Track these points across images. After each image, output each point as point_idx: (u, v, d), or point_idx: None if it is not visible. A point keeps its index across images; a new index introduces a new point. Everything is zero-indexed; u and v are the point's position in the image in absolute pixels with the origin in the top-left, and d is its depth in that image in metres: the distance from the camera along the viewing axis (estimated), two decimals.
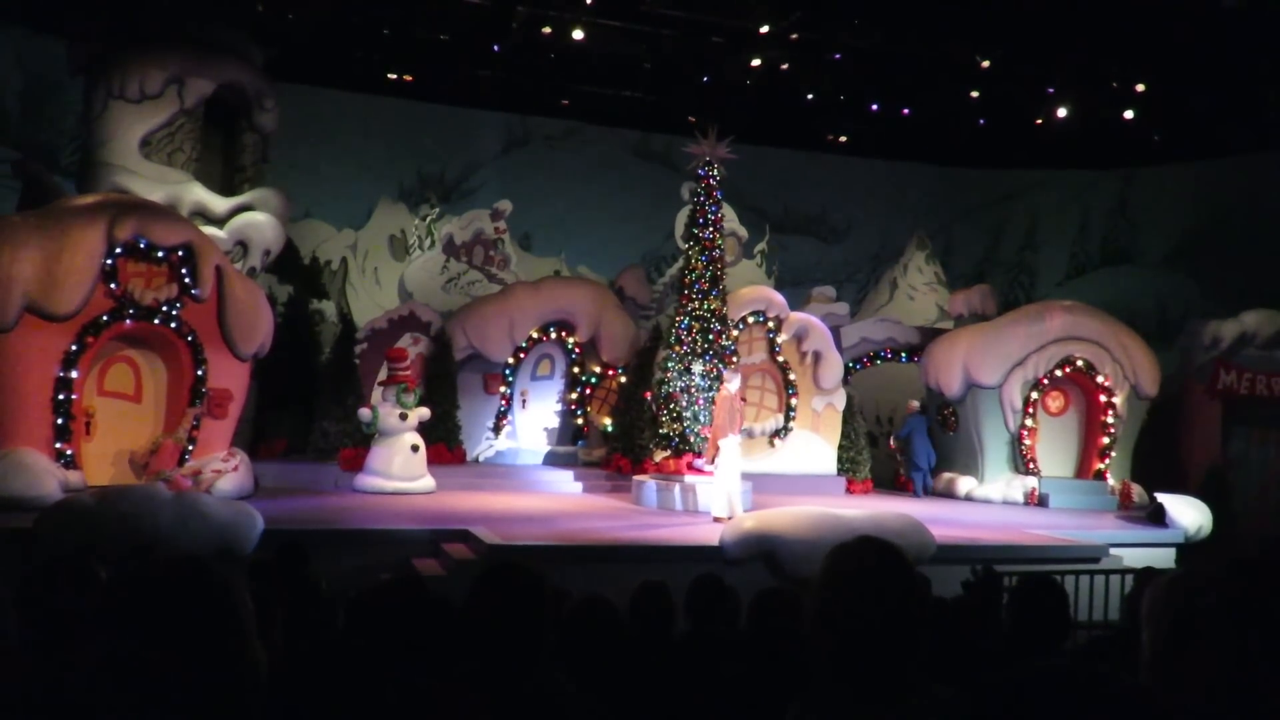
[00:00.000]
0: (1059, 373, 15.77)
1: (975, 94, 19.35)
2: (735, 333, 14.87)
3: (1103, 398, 15.85)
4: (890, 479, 17.03)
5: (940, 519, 11.77)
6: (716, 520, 11.33)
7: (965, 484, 15.98)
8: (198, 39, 15.56)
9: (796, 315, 16.52)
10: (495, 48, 18.30)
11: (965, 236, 24.63)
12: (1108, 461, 15.91)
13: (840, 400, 16.43)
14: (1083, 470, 16.06)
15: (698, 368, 13.31)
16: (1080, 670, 1.31)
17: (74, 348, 11.17)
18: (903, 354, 18.17)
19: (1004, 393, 15.69)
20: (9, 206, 13.39)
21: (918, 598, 2.21)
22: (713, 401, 13.10)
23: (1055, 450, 16.04)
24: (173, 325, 11.83)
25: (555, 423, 16.38)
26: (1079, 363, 15.76)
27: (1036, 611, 3.83)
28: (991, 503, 15.37)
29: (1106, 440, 15.92)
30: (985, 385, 15.70)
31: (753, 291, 16.38)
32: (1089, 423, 16.15)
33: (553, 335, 16.13)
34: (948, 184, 24.31)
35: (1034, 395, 15.72)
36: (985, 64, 17.58)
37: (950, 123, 21.43)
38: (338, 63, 19.37)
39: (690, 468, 13.30)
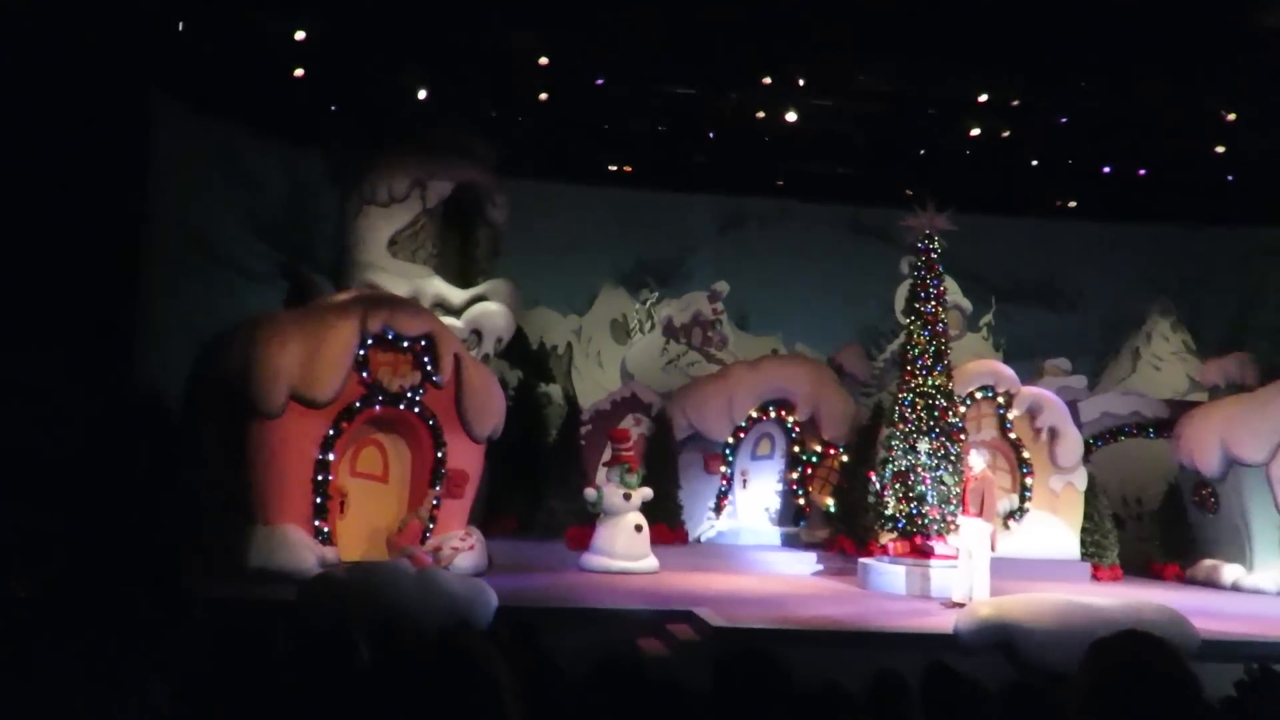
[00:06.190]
0: None
1: (1220, 149, 18.12)
2: (962, 409, 14.34)
3: None
4: (1142, 565, 15.74)
5: (1204, 610, 10.75)
6: (954, 605, 10.81)
7: (1231, 572, 14.53)
8: (436, 142, 16.85)
9: (1028, 389, 15.77)
10: (710, 134, 18.80)
11: (1214, 300, 22.73)
12: None
13: (1081, 479, 15.45)
14: None
15: (924, 445, 12.89)
16: None
17: (331, 432, 12.12)
18: (1149, 429, 16.92)
19: (1272, 470, 14.24)
20: (278, 304, 14.80)
21: (1191, 699, 2.05)
22: (940, 481, 12.69)
23: None
24: (416, 410, 12.63)
25: (776, 502, 16.22)
26: None
27: None
28: (1263, 593, 13.88)
29: None
30: (1249, 462, 14.32)
31: (979, 365, 15.80)
32: None
33: (772, 414, 16.07)
34: (1191, 244, 22.58)
35: None
36: (1230, 117, 16.48)
37: (1193, 179, 20.08)
38: (560, 157, 20.39)
39: (917, 551, 12.81)
